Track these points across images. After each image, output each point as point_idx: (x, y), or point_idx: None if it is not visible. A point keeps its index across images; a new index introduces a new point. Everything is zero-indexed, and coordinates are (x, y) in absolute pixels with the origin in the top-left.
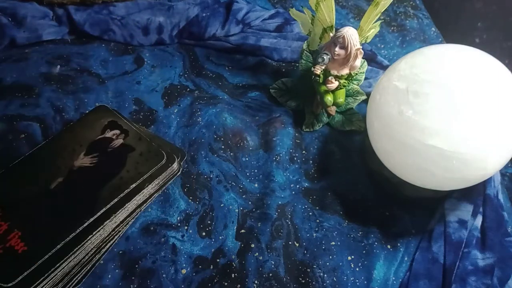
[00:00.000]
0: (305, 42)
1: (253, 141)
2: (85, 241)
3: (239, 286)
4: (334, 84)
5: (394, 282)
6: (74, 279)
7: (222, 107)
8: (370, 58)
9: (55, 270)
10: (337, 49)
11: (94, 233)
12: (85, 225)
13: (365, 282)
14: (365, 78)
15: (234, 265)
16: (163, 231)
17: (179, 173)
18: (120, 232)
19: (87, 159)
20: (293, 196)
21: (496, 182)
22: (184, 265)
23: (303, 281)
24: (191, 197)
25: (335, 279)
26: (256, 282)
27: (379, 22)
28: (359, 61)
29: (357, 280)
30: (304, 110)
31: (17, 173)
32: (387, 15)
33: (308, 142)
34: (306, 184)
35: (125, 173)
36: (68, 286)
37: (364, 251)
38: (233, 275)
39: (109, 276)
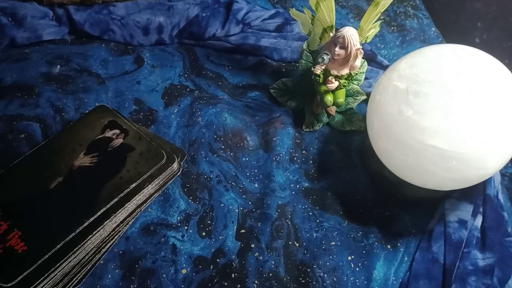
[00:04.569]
0: (305, 42)
1: (253, 141)
2: (85, 241)
3: (239, 286)
4: (334, 84)
5: (394, 282)
6: (74, 279)
7: (222, 107)
8: (370, 58)
9: (55, 270)
10: (337, 49)
11: (94, 233)
12: (85, 225)
13: (365, 282)
14: (365, 78)
15: (234, 265)
16: (163, 231)
17: (179, 173)
18: (120, 232)
19: (87, 158)
20: (293, 196)
21: (496, 182)
22: (184, 265)
23: (303, 281)
24: (191, 197)
25: (335, 279)
26: (256, 282)
27: (379, 22)
28: (359, 61)
29: (357, 280)
30: (304, 110)
31: (17, 173)
32: (387, 15)
33: (308, 142)
34: (306, 184)
35: (125, 172)
36: (68, 286)
37: (364, 251)
38: (233, 275)
39: (109, 276)
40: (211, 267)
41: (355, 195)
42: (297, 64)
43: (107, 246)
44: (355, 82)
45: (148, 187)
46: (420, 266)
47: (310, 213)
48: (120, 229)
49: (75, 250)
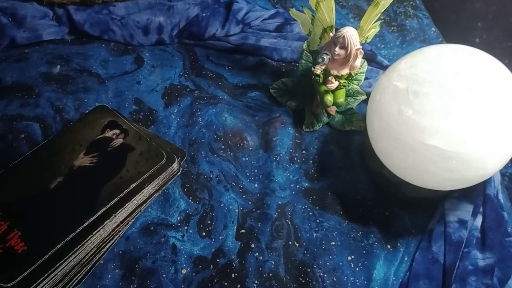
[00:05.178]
0: (305, 42)
1: (253, 141)
2: (85, 241)
3: (239, 286)
4: (334, 84)
5: (394, 282)
6: (74, 279)
7: (222, 107)
8: (370, 58)
9: (55, 270)
10: (337, 49)
11: (94, 233)
12: (85, 225)
13: (365, 282)
14: (365, 78)
15: (234, 265)
16: (163, 231)
17: (179, 173)
18: (120, 232)
19: (87, 158)
20: (293, 196)
21: (496, 182)
22: (184, 265)
23: (303, 281)
24: (191, 197)
25: (335, 279)
26: (256, 282)
27: (379, 22)
28: (359, 61)
29: (357, 280)
30: (304, 110)
31: (17, 173)
32: (387, 15)
33: (308, 142)
34: (306, 184)
35: (125, 172)
36: (68, 286)
37: (364, 251)
38: (233, 275)
39: (109, 276)
40: (211, 267)
41: (355, 195)
42: (297, 64)
43: (107, 246)
44: (355, 82)
45: (148, 187)
46: (420, 266)
47: (310, 213)
48: (120, 229)
49: (75, 250)
